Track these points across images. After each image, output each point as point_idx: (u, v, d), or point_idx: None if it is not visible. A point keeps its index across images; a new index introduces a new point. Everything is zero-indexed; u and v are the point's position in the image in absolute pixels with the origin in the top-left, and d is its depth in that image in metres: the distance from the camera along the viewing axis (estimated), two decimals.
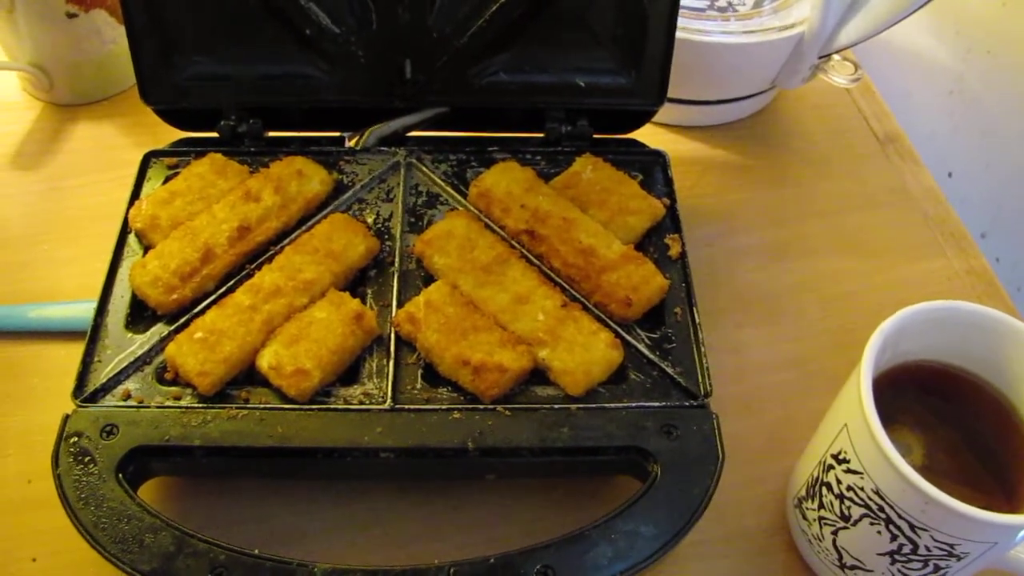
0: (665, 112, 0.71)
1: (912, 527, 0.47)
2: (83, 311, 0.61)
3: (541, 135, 0.69)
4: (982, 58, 0.93)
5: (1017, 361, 0.51)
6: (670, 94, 0.68)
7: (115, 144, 0.81)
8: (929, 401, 0.54)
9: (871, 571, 0.52)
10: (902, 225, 0.77)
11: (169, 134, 0.70)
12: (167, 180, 0.65)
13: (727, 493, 0.60)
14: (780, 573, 0.58)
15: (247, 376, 0.57)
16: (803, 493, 0.55)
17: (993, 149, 0.97)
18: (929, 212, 0.78)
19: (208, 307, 0.58)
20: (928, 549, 0.48)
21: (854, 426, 0.48)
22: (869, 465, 0.47)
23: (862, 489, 0.48)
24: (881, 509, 0.48)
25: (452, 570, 0.48)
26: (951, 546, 0.47)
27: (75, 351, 0.57)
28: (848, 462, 0.49)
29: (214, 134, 0.68)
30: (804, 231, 0.76)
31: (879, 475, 0.47)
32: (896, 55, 1.01)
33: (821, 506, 0.53)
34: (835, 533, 0.53)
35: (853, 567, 0.53)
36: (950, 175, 1.01)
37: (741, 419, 0.64)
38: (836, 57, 0.78)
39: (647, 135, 0.71)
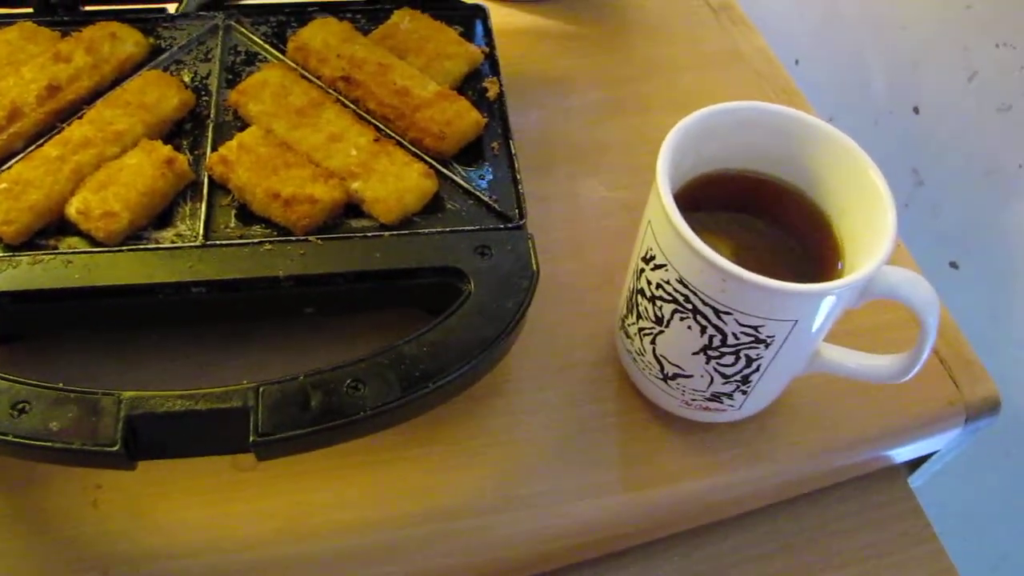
0: None
1: (717, 313, 0.47)
2: None
3: None
4: None
5: (812, 156, 0.53)
6: None
7: None
8: (735, 216, 0.55)
9: (691, 376, 0.53)
10: (735, 83, 0.79)
11: None
12: None
13: (559, 328, 0.61)
14: (611, 399, 0.59)
15: (58, 228, 0.55)
16: (624, 311, 0.56)
17: (835, 32, 0.99)
18: (762, 71, 0.80)
19: (16, 164, 0.57)
20: (736, 337, 0.48)
21: (656, 219, 0.49)
22: (670, 251, 0.48)
23: (668, 283, 0.49)
24: (687, 300, 0.48)
25: (262, 389, 0.47)
26: (755, 329, 0.48)
27: None
28: (654, 258, 0.50)
29: (28, 10, 0.67)
30: (638, 91, 0.77)
31: (679, 259, 0.48)
32: None
33: (639, 316, 0.53)
34: (653, 342, 0.53)
35: (675, 376, 0.54)
36: (797, 62, 1.03)
37: (572, 260, 0.65)
38: None
39: None
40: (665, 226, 0.47)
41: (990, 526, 0.99)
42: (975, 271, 0.92)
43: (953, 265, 0.93)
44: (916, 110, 0.91)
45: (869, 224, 0.49)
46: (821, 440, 0.59)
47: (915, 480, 0.67)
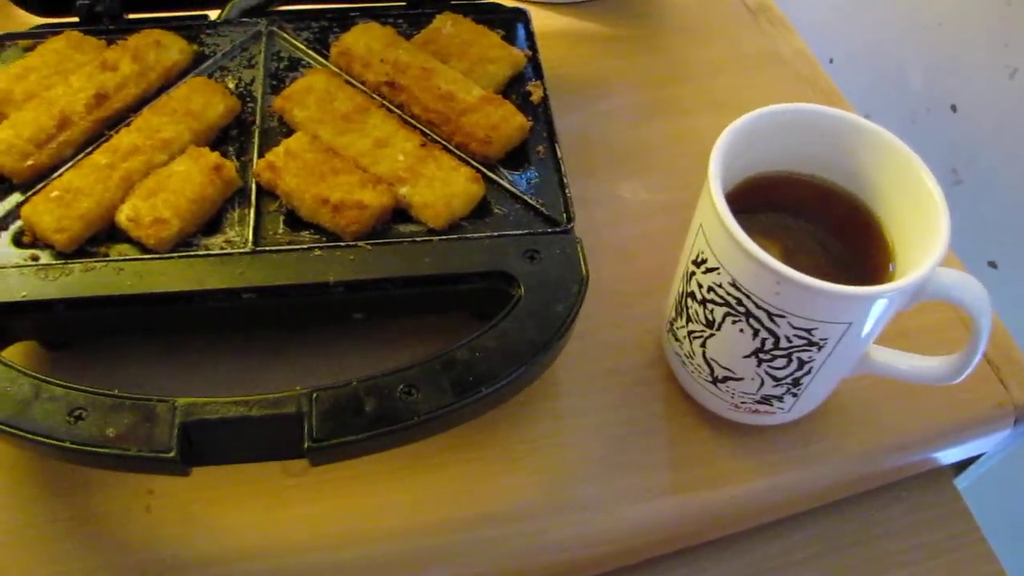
0: None
1: (770, 316, 0.47)
2: None
3: (403, 3, 0.69)
4: None
5: (862, 158, 0.53)
6: None
7: None
8: (784, 219, 0.55)
9: (741, 379, 0.53)
10: (774, 85, 0.78)
11: (25, 23, 0.68)
12: None
13: (605, 332, 0.61)
14: (660, 401, 0.59)
15: (108, 235, 0.56)
16: (672, 314, 0.56)
17: (871, 30, 0.99)
18: (801, 72, 0.79)
19: (66, 172, 0.57)
20: (789, 340, 0.48)
21: (708, 222, 0.49)
22: (722, 255, 0.48)
23: (720, 286, 0.49)
24: (740, 303, 0.48)
25: (315, 395, 0.48)
26: (808, 331, 0.47)
27: None
28: (706, 262, 0.50)
29: (74, 19, 0.67)
30: (677, 93, 0.77)
31: (732, 263, 0.48)
32: None
33: (688, 320, 0.53)
34: (703, 345, 0.53)
35: (725, 379, 0.54)
36: (831, 61, 1.03)
37: (618, 264, 0.65)
38: None
39: None
40: (718, 229, 0.47)
41: None
42: (1015, 270, 0.91)
43: (992, 264, 0.93)
44: (954, 108, 0.91)
45: (920, 226, 0.49)
46: (869, 442, 0.59)
47: (961, 481, 0.66)
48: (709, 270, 0.50)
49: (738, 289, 0.48)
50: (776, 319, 0.48)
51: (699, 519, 0.57)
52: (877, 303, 0.47)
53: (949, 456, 0.62)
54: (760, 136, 0.52)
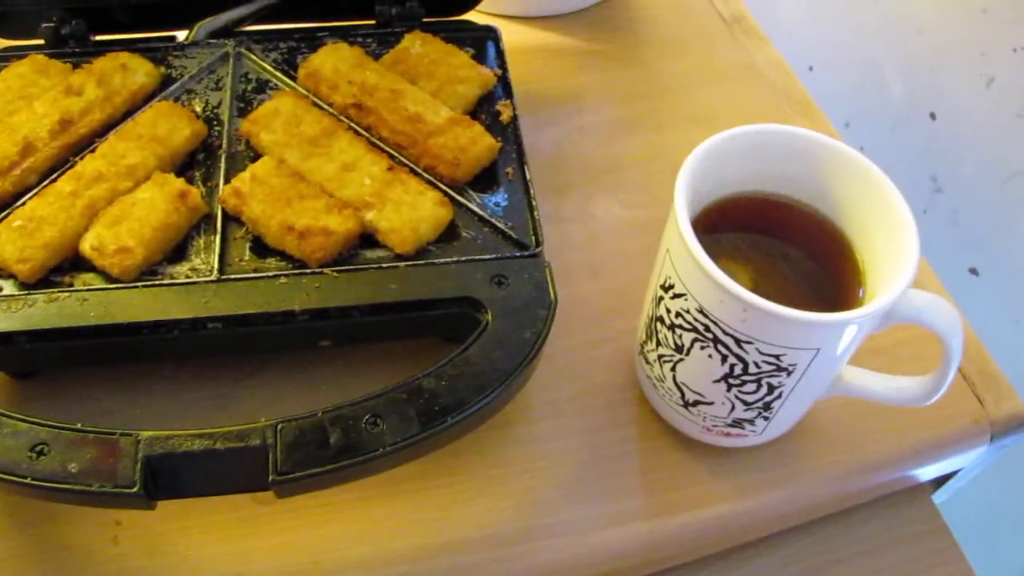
0: (510, 2, 0.71)
1: (738, 342, 0.47)
2: None
3: (372, 22, 0.69)
4: None
5: (835, 179, 0.52)
6: None
7: None
8: (754, 239, 0.55)
9: (712, 403, 0.53)
10: (750, 97, 0.78)
11: None
12: None
13: (577, 353, 0.60)
14: (632, 424, 0.59)
15: (72, 265, 0.55)
16: (643, 337, 0.56)
17: (850, 38, 0.99)
18: (776, 83, 0.79)
19: (29, 200, 0.57)
20: (757, 365, 0.48)
21: (674, 248, 0.48)
22: (689, 281, 0.48)
23: (688, 312, 0.49)
24: (707, 329, 0.48)
25: (280, 427, 0.47)
26: (777, 357, 0.47)
27: None
28: (673, 287, 0.49)
29: (39, 41, 0.66)
30: (653, 107, 0.76)
31: (699, 290, 0.47)
32: None
33: (658, 343, 0.53)
34: (673, 369, 0.53)
35: (696, 403, 0.53)
36: (811, 69, 1.02)
37: (591, 283, 0.64)
38: None
39: None
40: (684, 256, 0.47)
41: (1013, 536, 0.98)
42: (996, 277, 0.91)
43: (973, 271, 0.92)
44: (933, 116, 0.90)
45: (891, 248, 0.49)
46: (843, 462, 0.58)
47: (939, 496, 0.66)
48: (676, 295, 0.49)
49: (705, 315, 0.47)
50: (744, 345, 0.47)
51: (673, 543, 0.56)
52: (846, 329, 0.46)
53: (926, 473, 0.62)
54: (729, 157, 0.52)
